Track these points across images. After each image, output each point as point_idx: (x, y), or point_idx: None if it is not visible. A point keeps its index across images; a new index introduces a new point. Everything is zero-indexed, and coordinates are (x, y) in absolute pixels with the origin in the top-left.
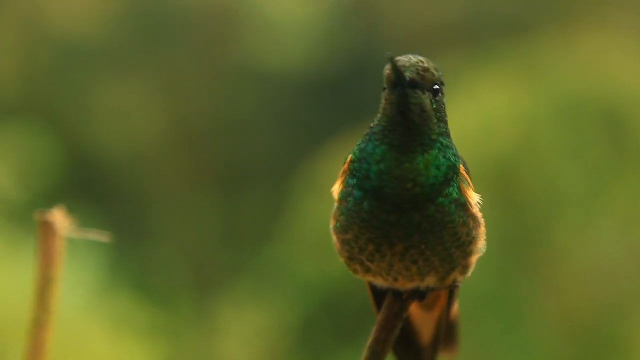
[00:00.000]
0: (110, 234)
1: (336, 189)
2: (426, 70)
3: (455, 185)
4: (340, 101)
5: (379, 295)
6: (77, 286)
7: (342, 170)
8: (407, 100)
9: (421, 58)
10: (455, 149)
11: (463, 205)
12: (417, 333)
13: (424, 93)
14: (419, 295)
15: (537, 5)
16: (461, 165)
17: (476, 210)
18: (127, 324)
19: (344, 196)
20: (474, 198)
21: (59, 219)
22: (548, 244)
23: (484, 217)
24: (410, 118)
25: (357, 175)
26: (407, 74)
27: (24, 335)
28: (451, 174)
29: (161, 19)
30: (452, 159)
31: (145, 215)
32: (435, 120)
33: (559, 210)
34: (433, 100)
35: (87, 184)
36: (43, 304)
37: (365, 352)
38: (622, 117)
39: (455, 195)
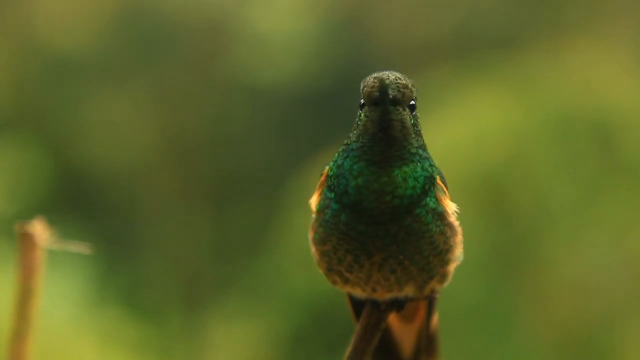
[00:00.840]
0: (92, 246)
1: (313, 201)
2: (405, 87)
3: (432, 194)
4: (330, 115)
5: (358, 305)
6: (65, 300)
7: (319, 183)
8: (389, 117)
9: (398, 74)
10: (432, 159)
11: (440, 214)
12: (398, 345)
13: (404, 109)
14: (397, 305)
15: (527, 19)
16: (437, 176)
17: (453, 219)
18: (116, 338)
19: (321, 208)
20: (451, 207)
21: (39, 230)
22: (537, 256)
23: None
24: (392, 134)
25: (335, 190)
26: (390, 91)
27: (5, 347)
28: (428, 185)
29: (153, 32)
30: (429, 169)
31: (135, 229)
32: (414, 135)
33: (548, 223)
34: (411, 116)
35: (77, 197)
36: (23, 315)
37: None
38: (611, 130)
39: (432, 205)
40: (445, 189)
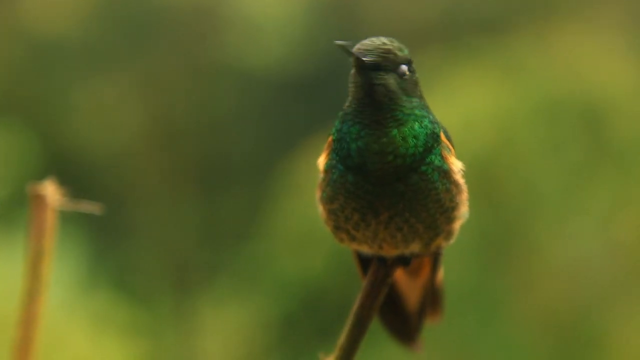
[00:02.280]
0: (101, 206)
1: (321, 161)
2: (388, 51)
3: (437, 152)
4: (320, 99)
5: (364, 263)
6: (55, 284)
7: (326, 144)
8: (371, 82)
9: (385, 39)
10: (433, 116)
11: (446, 172)
12: (403, 300)
13: (387, 73)
14: (403, 261)
15: (516, 2)
16: (442, 133)
17: (459, 177)
18: (107, 322)
19: (328, 167)
20: (457, 165)
21: (51, 191)
22: (526, 241)
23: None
24: (376, 99)
25: (339, 154)
26: (369, 58)
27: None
28: (431, 142)
29: (141, 17)
30: (430, 126)
31: (125, 214)
32: (405, 97)
33: (537, 207)
34: (399, 79)
35: (66, 182)
36: (35, 276)
37: (350, 318)
38: (600, 115)
39: (437, 163)
40: (450, 146)
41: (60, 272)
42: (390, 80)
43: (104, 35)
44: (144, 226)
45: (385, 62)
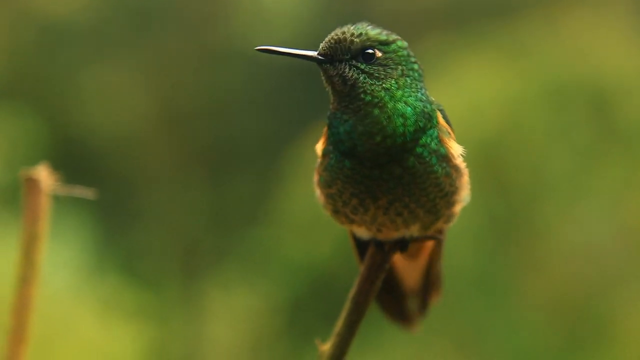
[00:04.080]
0: (95, 191)
1: (319, 146)
2: (339, 41)
3: (434, 135)
4: None
5: (362, 247)
6: (64, 268)
7: (324, 130)
8: (327, 74)
9: (345, 28)
10: (425, 95)
11: (444, 156)
12: (400, 281)
13: (341, 63)
14: (401, 246)
15: None
16: (439, 116)
17: (459, 161)
18: (115, 306)
19: (326, 152)
20: (456, 149)
21: (44, 176)
22: (534, 225)
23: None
24: (337, 89)
25: (332, 140)
26: (320, 50)
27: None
28: (424, 122)
29: (148, 1)
30: (419, 104)
31: (133, 198)
32: (372, 81)
33: (545, 191)
34: (364, 64)
35: (74, 165)
36: (29, 260)
37: (347, 304)
38: (608, 98)
39: (433, 146)
40: (450, 130)
41: (69, 256)
42: (345, 69)
43: (111, 19)
44: (152, 210)
45: (336, 52)
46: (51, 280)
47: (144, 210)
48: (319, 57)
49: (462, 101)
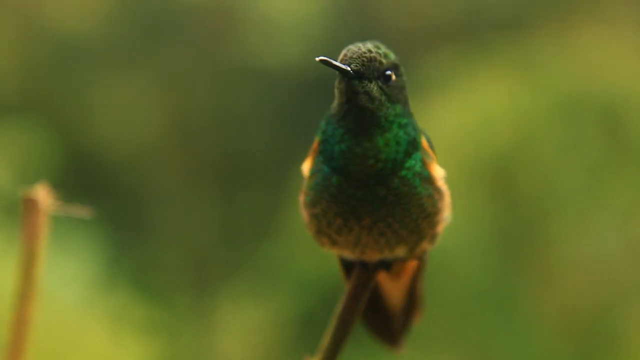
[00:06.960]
0: (92, 210)
1: (306, 167)
2: (372, 59)
3: (418, 158)
4: None
5: (347, 266)
6: (74, 282)
7: (312, 149)
8: (354, 90)
9: (370, 46)
10: (415, 123)
11: (427, 178)
12: (385, 300)
13: (370, 82)
14: (385, 265)
15: (535, 0)
16: (424, 140)
17: (441, 183)
18: (125, 320)
19: (313, 172)
20: (439, 172)
21: (43, 195)
22: (545, 239)
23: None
24: (359, 105)
25: (324, 155)
26: (352, 66)
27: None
28: (411, 148)
29: (159, 16)
30: (412, 133)
31: (143, 212)
32: (388, 104)
33: (556, 206)
34: (384, 86)
35: (85, 180)
36: (27, 278)
37: (333, 321)
38: (619, 113)
39: (417, 169)
40: (432, 154)
41: (79, 269)
42: (374, 88)
43: (124, 33)
44: (163, 224)
45: (369, 71)
46: (61, 294)
47: (155, 224)
48: (351, 72)
49: (473, 115)
